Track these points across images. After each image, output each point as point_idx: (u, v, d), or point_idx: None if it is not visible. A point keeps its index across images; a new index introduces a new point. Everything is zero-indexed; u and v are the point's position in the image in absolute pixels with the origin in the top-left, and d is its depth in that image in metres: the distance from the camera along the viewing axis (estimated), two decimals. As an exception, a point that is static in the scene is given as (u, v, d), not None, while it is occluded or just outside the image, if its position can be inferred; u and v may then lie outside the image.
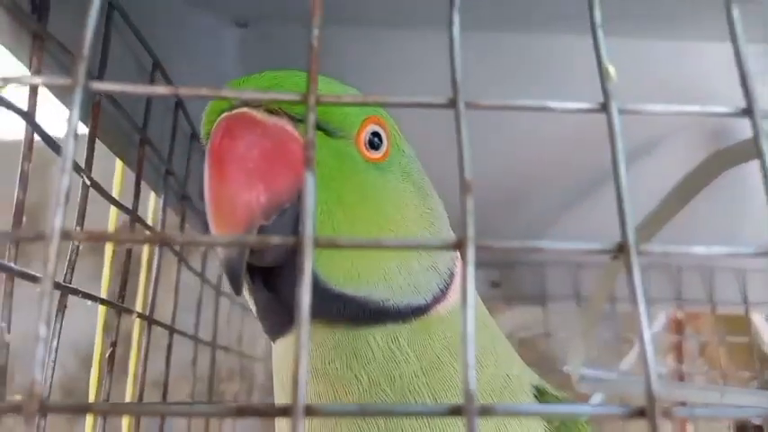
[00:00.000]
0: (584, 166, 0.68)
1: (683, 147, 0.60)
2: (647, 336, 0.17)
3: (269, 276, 0.32)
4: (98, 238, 0.17)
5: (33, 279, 0.24)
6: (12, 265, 0.25)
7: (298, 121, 0.30)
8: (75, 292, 0.26)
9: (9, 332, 0.20)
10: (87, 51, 0.18)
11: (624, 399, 0.87)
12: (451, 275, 0.35)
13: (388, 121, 0.34)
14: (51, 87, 0.20)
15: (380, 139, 0.32)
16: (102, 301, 0.36)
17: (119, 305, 0.38)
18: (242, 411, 0.15)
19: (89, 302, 0.31)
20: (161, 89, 0.18)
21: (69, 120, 0.17)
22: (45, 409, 0.16)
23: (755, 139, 0.19)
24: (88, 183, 0.32)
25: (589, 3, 0.20)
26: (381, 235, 0.32)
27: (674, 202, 0.62)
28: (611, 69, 0.19)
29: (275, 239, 0.17)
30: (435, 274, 0.34)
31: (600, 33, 0.19)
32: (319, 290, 0.31)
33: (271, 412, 0.16)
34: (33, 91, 0.26)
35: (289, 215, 0.29)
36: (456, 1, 0.20)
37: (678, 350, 0.94)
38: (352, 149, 0.32)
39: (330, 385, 0.32)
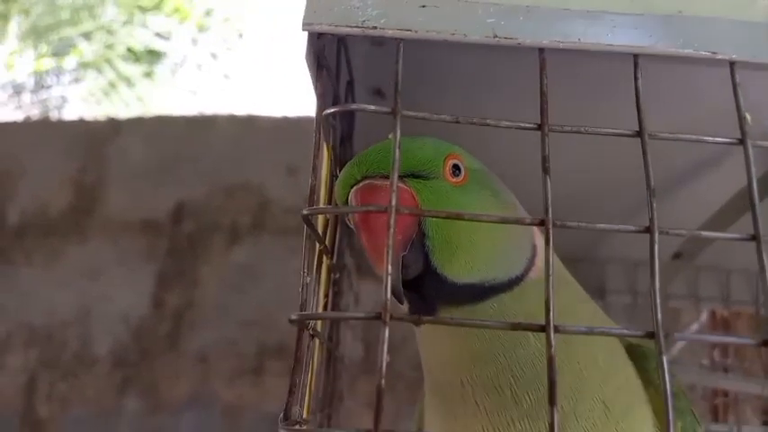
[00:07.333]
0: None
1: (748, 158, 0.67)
2: (657, 285, 0.26)
3: (413, 285, 0.43)
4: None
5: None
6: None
7: (403, 176, 0.43)
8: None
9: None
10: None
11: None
12: (534, 248, 0.46)
13: (458, 151, 0.46)
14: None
15: (459, 169, 0.44)
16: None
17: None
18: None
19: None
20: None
21: (393, 149, 0.27)
22: (393, 318, 0.25)
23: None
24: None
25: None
26: (481, 237, 0.43)
27: (729, 213, 0.70)
28: (749, 117, 0.28)
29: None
30: (523, 250, 0.46)
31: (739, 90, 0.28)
32: (448, 285, 0.42)
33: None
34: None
35: (416, 247, 0.41)
36: (639, 61, 0.29)
37: (723, 345, 1.02)
38: (443, 182, 0.44)
39: (464, 341, 0.44)
